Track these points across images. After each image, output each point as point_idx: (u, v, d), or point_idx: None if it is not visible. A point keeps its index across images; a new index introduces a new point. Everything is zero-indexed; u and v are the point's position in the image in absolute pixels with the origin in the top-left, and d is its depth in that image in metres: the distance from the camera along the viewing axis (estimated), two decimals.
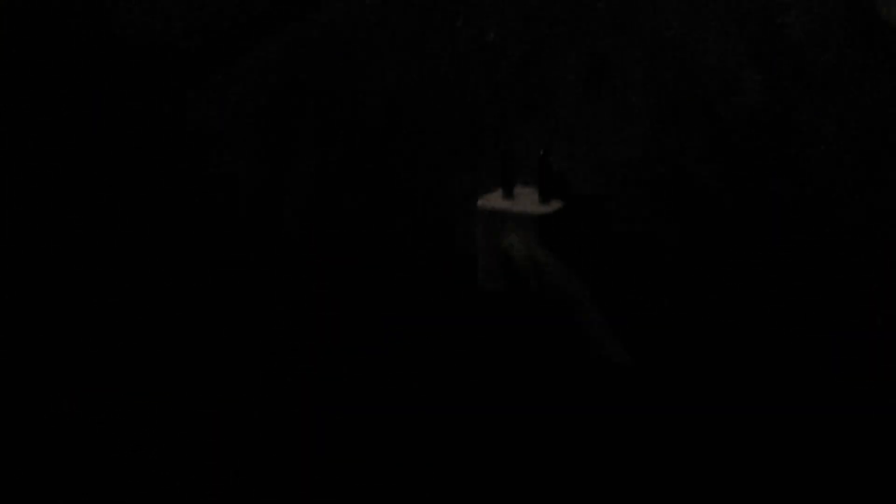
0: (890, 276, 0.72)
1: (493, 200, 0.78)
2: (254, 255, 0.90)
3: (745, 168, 0.78)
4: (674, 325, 0.77)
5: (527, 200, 0.77)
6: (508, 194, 0.78)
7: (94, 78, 0.96)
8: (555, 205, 0.76)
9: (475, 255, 0.79)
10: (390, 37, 0.91)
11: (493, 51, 0.87)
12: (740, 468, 0.75)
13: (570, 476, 0.77)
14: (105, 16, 0.96)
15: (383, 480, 0.82)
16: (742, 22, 0.81)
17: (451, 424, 0.82)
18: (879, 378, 0.72)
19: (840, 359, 0.73)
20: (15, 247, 0.94)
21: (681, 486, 0.75)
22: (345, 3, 0.91)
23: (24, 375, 0.92)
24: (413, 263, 0.83)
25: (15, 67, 0.97)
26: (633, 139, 0.81)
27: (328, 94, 0.91)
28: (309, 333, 0.86)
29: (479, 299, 0.79)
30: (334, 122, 0.89)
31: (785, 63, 0.81)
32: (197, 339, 0.90)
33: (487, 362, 0.81)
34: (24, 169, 0.94)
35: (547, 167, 0.79)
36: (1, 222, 0.94)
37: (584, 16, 0.85)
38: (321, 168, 0.88)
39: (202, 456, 0.89)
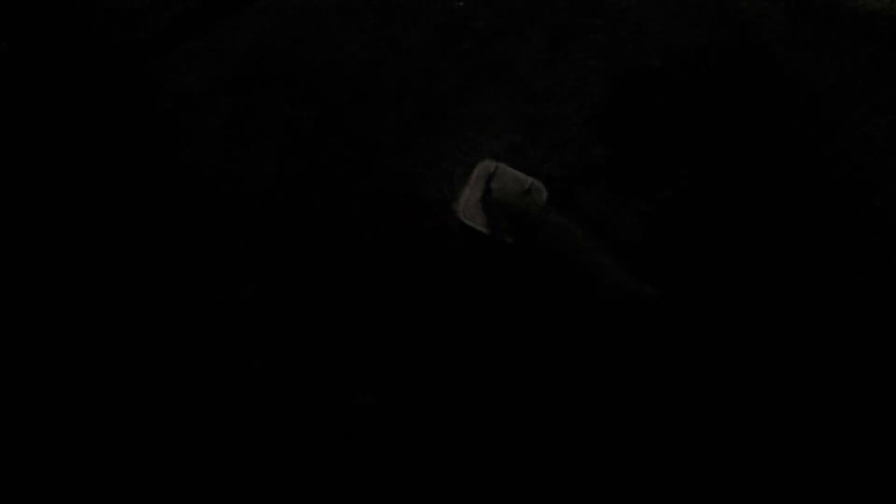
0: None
1: (476, 217, 0.89)
2: (229, 212, 0.93)
3: (691, 126, 0.89)
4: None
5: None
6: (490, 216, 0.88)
7: (77, 41, 1.00)
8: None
9: (441, 201, 0.88)
10: (361, 6, 0.98)
11: (460, 20, 0.96)
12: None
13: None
14: None
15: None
16: None
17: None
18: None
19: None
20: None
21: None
22: None
23: None
24: (385, 211, 0.90)
25: None
26: (592, 101, 0.91)
27: (300, 62, 0.97)
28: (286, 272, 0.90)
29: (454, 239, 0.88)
30: (305, 87, 0.96)
31: (730, 33, 0.92)
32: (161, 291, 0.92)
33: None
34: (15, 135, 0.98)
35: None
36: None
37: None
38: (291, 128, 0.94)
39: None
